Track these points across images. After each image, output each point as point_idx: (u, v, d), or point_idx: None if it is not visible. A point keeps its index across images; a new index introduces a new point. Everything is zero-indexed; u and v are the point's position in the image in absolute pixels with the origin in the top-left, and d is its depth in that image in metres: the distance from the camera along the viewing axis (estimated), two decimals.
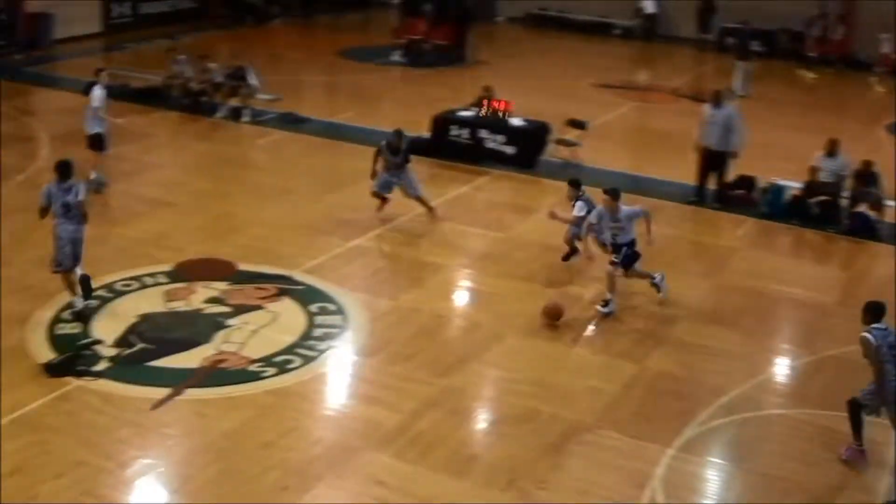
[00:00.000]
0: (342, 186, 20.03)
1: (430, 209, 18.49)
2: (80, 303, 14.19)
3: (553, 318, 14.51)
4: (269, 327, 14.10)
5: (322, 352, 13.51)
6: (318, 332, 14.03)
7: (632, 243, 15.02)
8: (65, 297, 14.45)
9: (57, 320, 14.04)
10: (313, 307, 14.72)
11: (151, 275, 15.49)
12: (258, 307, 14.64)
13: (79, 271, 14.12)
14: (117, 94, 26.09)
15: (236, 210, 18.85)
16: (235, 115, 24.95)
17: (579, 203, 16.23)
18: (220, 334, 13.79)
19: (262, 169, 21.88)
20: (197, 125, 24.67)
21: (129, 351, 13.29)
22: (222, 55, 29.52)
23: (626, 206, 15.15)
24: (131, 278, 15.38)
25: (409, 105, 27.91)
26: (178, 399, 12.22)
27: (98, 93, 19.31)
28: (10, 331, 13.70)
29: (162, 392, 12.29)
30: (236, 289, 15.21)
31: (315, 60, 33.31)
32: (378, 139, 19.02)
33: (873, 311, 11.10)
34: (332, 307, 14.77)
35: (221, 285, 15.26)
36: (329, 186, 18.73)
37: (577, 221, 16.00)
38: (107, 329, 13.77)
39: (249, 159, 22.74)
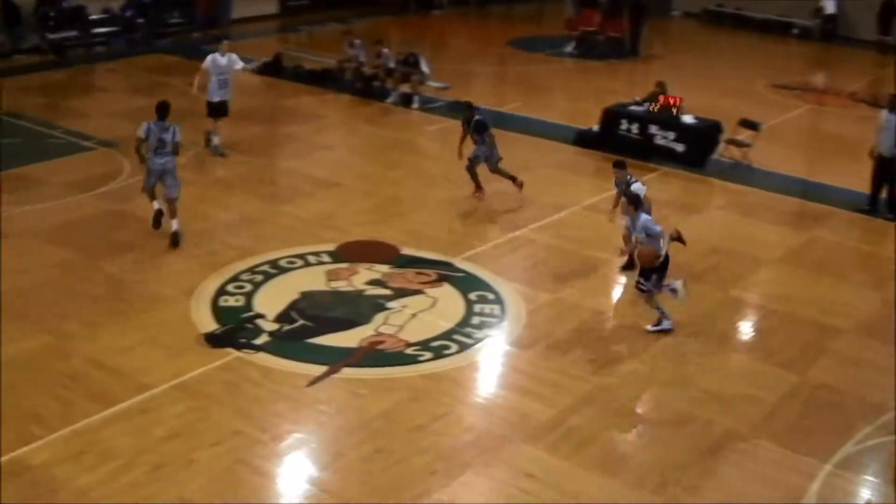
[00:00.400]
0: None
1: (515, 182, 18.58)
2: (175, 224, 15.84)
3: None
4: (428, 312, 14.14)
5: (479, 340, 13.48)
6: (475, 320, 14.00)
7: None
8: (232, 270, 14.88)
9: (221, 292, 14.38)
10: (472, 295, 14.70)
11: (315, 254, 15.73)
12: (418, 292, 14.71)
13: (174, 193, 15.94)
14: (291, 75, 26.75)
15: (402, 194, 18.99)
16: (406, 101, 25.15)
17: (636, 184, 15.22)
18: (380, 316, 13.90)
19: (429, 156, 21.96)
20: (368, 109, 24.96)
21: (289, 327, 13.52)
22: (394, 41, 29.79)
23: (649, 217, 14.07)
24: (296, 256, 15.65)
25: (579, 97, 27.69)
26: (335, 377, 12.37)
27: (223, 61, 20.39)
28: (177, 300, 14.12)
29: (319, 369, 12.46)
30: (397, 272, 15.31)
31: (485, 50, 33.34)
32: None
33: None
34: (490, 296, 14.73)
35: (383, 268, 15.39)
36: (493, 176, 18.66)
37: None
38: (269, 304, 14.04)
39: (417, 145, 22.87)
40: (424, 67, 25.41)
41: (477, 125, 18.52)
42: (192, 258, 15.50)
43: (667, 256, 13.70)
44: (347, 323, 13.69)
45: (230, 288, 14.51)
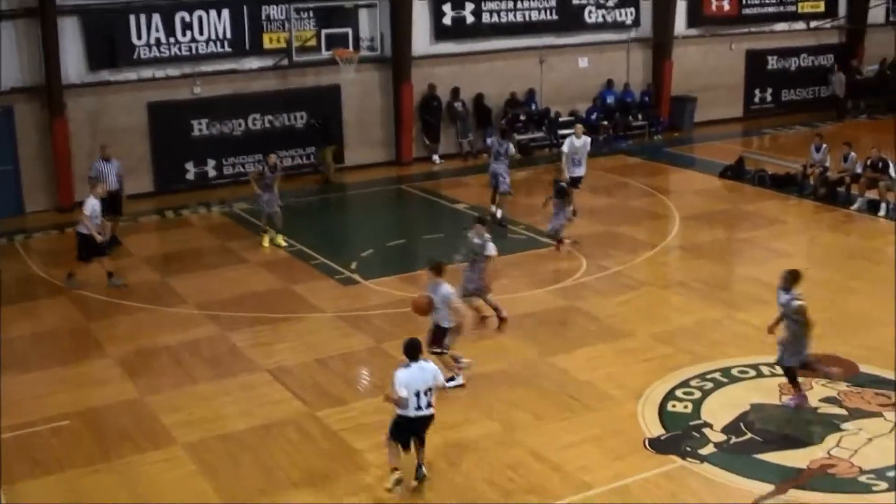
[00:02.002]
0: None
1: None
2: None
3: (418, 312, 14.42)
4: (887, 437, 13.14)
5: None
6: None
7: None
8: (682, 374, 14.76)
9: (670, 396, 14.21)
10: None
11: (769, 365, 15.15)
12: (877, 414, 13.74)
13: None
14: (753, 179, 26.31)
15: (862, 307, 17.94)
16: (872, 208, 23.92)
17: None
18: (832, 437, 13.12)
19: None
20: (830, 215, 24.01)
21: (736, 439, 13.08)
22: (862, 145, 28.52)
23: (446, 286, 14.38)
24: (748, 365, 15.19)
25: None
26: (781, 498, 11.78)
27: (578, 142, 23.37)
28: (625, 400, 14.13)
29: (765, 487, 11.93)
30: (855, 391, 14.42)
31: None
32: None
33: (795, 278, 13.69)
34: None
35: (840, 385, 14.55)
36: None
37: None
38: (717, 413, 13.69)
39: (883, 255, 21.60)
40: (894, 173, 24.08)
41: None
42: (645, 360, 15.50)
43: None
44: (797, 441, 13.04)
45: (679, 393, 14.32)
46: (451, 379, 14.52)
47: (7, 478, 12.63)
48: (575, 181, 23.14)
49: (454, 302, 14.47)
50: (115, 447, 13.36)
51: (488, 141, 24.77)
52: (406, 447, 12.09)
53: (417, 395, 11.78)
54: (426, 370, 11.94)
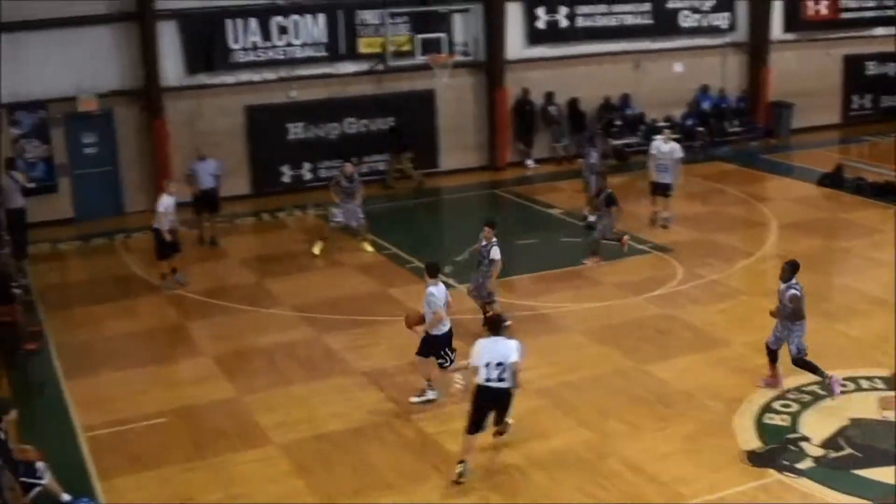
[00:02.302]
0: None
1: None
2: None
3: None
4: None
5: None
6: None
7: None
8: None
9: (767, 409, 14.00)
10: None
11: (869, 378, 14.86)
12: None
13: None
14: (852, 187, 25.82)
15: None
16: None
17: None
18: None
19: None
20: None
21: (835, 454, 12.82)
22: None
23: (433, 288, 14.32)
24: (848, 378, 14.85)
25: None
26: None
27: (665, 147, 23.08)
28: (722, 411, 13.98)
29: None
30: None
31: None
32: None
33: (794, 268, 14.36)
34: None
35: None
36: None
37: None
38: (816, 427, 13.45)
39: None
40: None
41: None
42: (742, 371, 15.27)
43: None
44: None
45: (776, 405, 14.10)
46: (423, 393, 14.62)
47: (104, 473, 12.91)
48: (659, 187, 23.13)
49: (433, 305, 14.24)
50: (211, 445, 13.56)
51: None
52: (481, 426, 12.36)
53: (487, 365, 12.13)
54: (499, 344, 12.27)
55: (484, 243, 17.06)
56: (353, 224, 21.98)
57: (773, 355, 14.64)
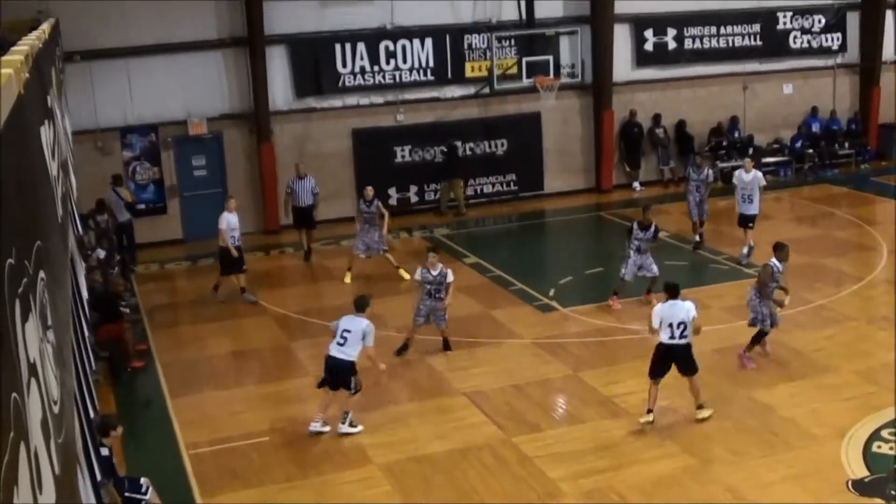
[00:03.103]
0: None
1: None
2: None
3: None
4: None
5: None
6: None
7: None
8: (888, 414, 14.15)
9: (875, 437, 13.66)
10: None
11: None
12: None
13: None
14: None
15: None
16: None
17: None
18: None
19: None
20: None
21: None
22: None
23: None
24: None
25: None
26: None
27: (747, 178, 22.06)
28: (828, 439, 13.66)
29: None
30: None
31: None
32: None
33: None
34: None
35: None
36: None
37: None
38: None
39: None
40: None
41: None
42: (849, 398, 14.98)
43: None
44: None
45: (885, 434, 13.74)
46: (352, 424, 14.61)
47: (206, 490, 13.14)
48: (745, 219, 22.19)
49: (365, 344, 14.43)
50: (313, 464, 13.72)
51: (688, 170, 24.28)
52: (660, 375, 14.30)
53: (670, 326, 14.11)
54: (677, 307, 14.25)
55: (434, 272, 17.13)
56: (363, 255, 21.80)
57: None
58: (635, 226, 19.43)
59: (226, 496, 13.00)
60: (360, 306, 14.73)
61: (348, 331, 14.31)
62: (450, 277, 17.25)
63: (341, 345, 14.31)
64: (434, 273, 17.20)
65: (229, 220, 20.58)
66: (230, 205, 21.05)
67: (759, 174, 22.44)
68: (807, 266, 21.55)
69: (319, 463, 13.75)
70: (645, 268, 19.16)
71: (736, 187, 22.57)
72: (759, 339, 16.37)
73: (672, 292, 14.48)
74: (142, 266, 23.62)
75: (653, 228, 19.34)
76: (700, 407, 14.42)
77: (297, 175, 23.51)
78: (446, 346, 17.58)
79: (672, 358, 14.32)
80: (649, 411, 14.16)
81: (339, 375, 14.39)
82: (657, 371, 14.35)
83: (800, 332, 17.79)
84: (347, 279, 21.85)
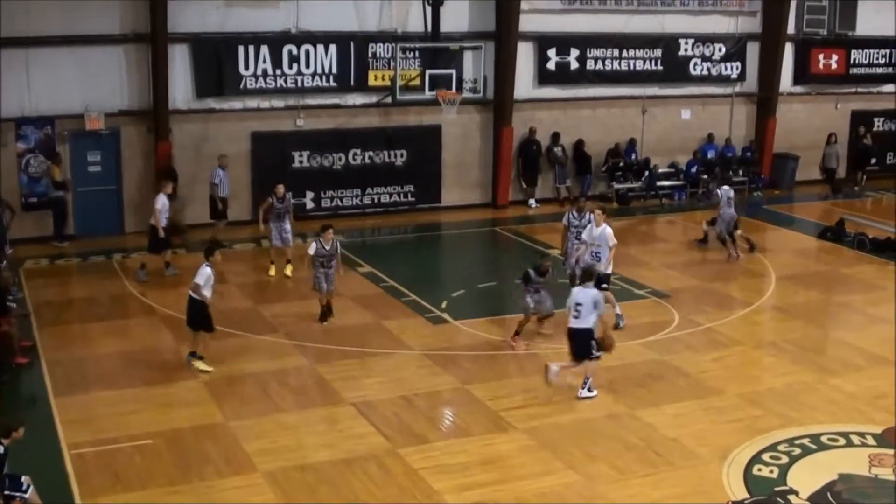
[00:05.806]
0: None
1: None
2: None
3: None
4: None
5: None
6: None
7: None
8: (770, 438, 14.46)
9: (756, 460, 13.90)
10: None
11: (860, 434, 14.76)
12: None
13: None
14: (853, 242, 25.80)
15: None
16: None
17: None
18: None
19: None
20: None
21: None
22: None
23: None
24: (839, 433, 14.78)
25: None
26: None
27: (594, 231, 19.48)
28: (710, 460, 13.88)
29: None
30: None
31: None
32: None
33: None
34: None
35: None
36: None
37: None
38: (803, 480, 13.32)
39: None
40: None
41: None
42: (733, 421, 15.20)
43: None
44: None
45: (766, 457, 13.99)
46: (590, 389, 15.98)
47: (87, 492, 12.83)
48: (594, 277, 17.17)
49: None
50: (197, 469, 13.48)
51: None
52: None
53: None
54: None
55: (328, 246, 19.09)
56: (280, 244, 22.68)
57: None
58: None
59: (107, 498, 12.70)
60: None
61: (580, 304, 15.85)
62: (339, 249, 19.44)
63: (576, 317, 15.90)
64: (327, 247, 18.99)
65: (164, 202, 21.97)
66: (167, 188, 22.34)
67: (609, 231, 19.18)
68: (697, 289, 21.96)
69: (203, 468, 13.51)
70: (541, 303, 18.49)
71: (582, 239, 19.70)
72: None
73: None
74: (31, 261, 23.04)
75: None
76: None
77: (221, 165, 24.76)
78: (329, 310, 19.32)
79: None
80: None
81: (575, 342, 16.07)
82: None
83: (688, 353, 18.08)
84: (272, 272, 22.67)
